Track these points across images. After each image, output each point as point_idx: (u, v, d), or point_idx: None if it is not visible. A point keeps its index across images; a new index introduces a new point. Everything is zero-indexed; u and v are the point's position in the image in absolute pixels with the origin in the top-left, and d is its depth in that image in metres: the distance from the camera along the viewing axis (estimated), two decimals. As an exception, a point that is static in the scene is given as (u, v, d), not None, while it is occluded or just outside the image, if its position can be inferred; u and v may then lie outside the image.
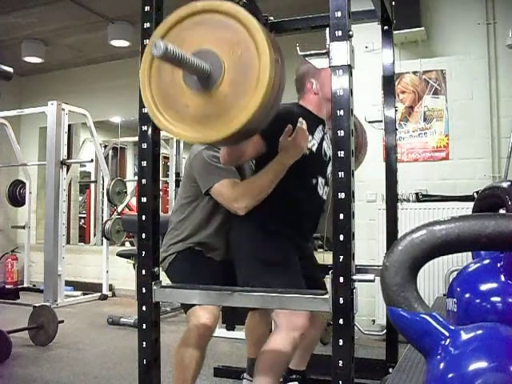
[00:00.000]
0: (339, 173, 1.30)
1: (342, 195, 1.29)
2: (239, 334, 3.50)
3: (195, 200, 2.05)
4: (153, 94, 1.38)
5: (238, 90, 1.29)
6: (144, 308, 1.50)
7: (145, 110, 1.50)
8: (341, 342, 1.27)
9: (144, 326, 1.49)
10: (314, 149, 1.98)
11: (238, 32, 1.30)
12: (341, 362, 1.27)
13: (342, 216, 1.29)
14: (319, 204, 2.06)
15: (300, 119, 1.81)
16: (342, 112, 1.31)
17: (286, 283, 1.72)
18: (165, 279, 1.56)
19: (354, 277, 1.28)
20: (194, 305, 1.93)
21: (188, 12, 1.34)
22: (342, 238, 1.29)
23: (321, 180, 2.03)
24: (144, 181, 1.51)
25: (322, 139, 2.04)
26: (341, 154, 1.31)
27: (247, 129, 1.33)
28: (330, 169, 2.07)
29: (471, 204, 1.81)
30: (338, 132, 1.31)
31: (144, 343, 1.49)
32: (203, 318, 1.91)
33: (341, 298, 1.28)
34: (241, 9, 1.33)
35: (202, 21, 1.34)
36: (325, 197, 2.07)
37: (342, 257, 1.28)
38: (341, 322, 1.27)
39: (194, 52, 1.30)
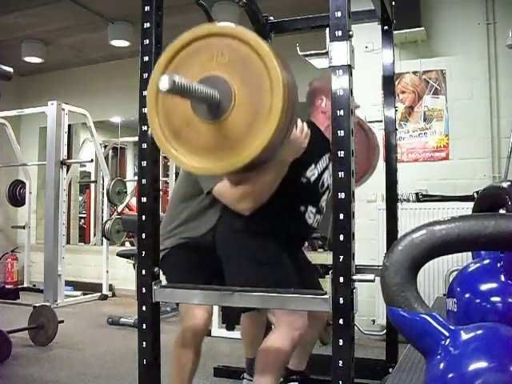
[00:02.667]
0: (339, 173, 1.30)
1: (341, 195, 1.29)
2: (239, 333, 3.49)
3: (189, 199, 2.03)
4: (161, 124, 1.35)
5: (249, 118, 1.26)
6: (144, 308, 1.49)
7: (145, 110, 1.50)
8: (341, 342, 1.27)
9: (144, 326, 1.49)
10: (313, 179, 1.94)
11: (246, 55, 1.27)
12: (341, 361, 1.27)
13: (341, 216, 1.29)
14: (306, 231, 2.03)
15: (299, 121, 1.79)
16: (342, 112, 1.31)
17: (275, 281, 1.71)
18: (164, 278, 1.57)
19: (354, 277, 1.28)
20: None
21: (190, 38, 1.31)
22: (341, 238, 1.29)
23: (311, 209, 1.97)
24: (144, 181, 1.51)
25: (325, 169, 1.99)
26: (341, 153, 1.30)
27: (260, 159, 1.30)
28: (324, 198, 2.04)
29: (471, 204, 1.81)
30: (338, 132, 1.31)
31: (144, 343, 1.49)
32: (198, 318, 1.91)
33: (341, 298, 1.28)
34: (248, 31, 1.29)
35: (205, 46, 1.30)
36: (315, 224, 2.03)
37: (341, 257, 1.28)
38: (341, 321, 1.27)
39: (202, 79, 1.27)
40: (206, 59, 1.30)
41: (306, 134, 1.79)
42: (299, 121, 1.77)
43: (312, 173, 1.93)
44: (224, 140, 1.29)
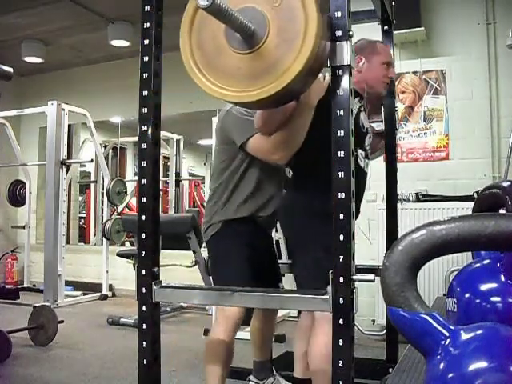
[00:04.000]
0: (339, 173, 1.30)
1: (341, 195, 1.29)
2: (240, 334, 3.49)
3: (231, 163, 2.01)
4: (194, 55, 1.35)
5: (285, 44, 1.27)
6: (144, 308, 1.49)
7: (145, 110, 1.50)
8: (341, 342, 1.27)
9: (144, 326, 1.49)
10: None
11: None
12: (341, 361, 1.27)
13: (341, 216, 1.29)
14: (362, 176, 2.02)
15: None
16: (342, 112, 1.31)
17: None
18: (165, 279, 1.56)
19: (354, 277, 1.28)
20: None
21: None
22: (341, 238, 1.29)
23: (360, 152, 1.99)
24: (144, 181, 1.50)
25: (359, 111, 2.01)
26: (341, 154, 1.31)
27: (296, 85, 1.30)
28: (368, 141, 2.06)
29: (471, 204, 1.81)
30: (338, 132, 1.31)
31: (144, 343, 1.49)
32: (232, 312, 1.93)
33: (341, 298, 1.27)
34: None
35: None
36: (367, 170, 2.04)
37: (341, 257, 1.28)
38: (341, 321, 1.27)
39: (239, 9, 1.28)
40: None
41: (327, 80, 1.78)
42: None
43: None
44: (260, 68, 1.30)
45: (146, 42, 1.50)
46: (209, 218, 2.05)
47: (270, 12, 1.29)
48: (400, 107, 3.67)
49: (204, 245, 2.27)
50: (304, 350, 2.01)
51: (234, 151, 1.98)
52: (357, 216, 2.08)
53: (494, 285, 1.32)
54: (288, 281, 2.25)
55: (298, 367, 2.14)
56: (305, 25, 1.25)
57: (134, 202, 7.39)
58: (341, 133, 1.31)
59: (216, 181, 2.06)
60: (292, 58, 1.26)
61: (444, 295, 2.42)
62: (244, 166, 2.00)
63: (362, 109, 2.03)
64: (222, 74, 1.34)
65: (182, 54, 1.37)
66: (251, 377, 2.37)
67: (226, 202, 2.01)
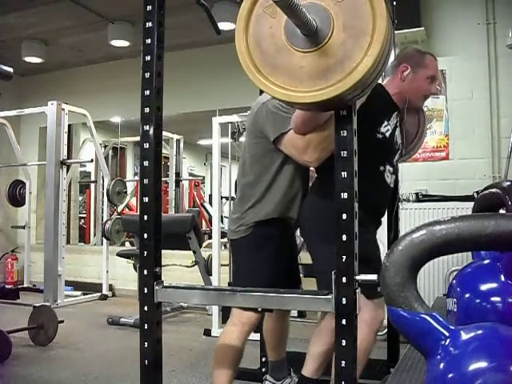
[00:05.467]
0: (342, 173, 1.30)
1: (344, 195, 1.29)
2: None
3: (262, 158, 1.95)
4: (251, 54, 1.29)
5: (351, 41, 1.22)
6: (146, 308, 1.49)
7: (146, 110, 1.50)
8: (343, 343, 1.27)
9: (146, 326, 1.49)
10: (388, 134, 1.93)
11: None
12: (343, 362, 1.27)
13: (344, 216, 1.29)
14: (386, 192, 2.02)
15: None
16: (344, 112, 1.32)
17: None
18: (165, 279, 1.56)
19: (357, 277, 1.28)
20: None
21: None
22: (344, 238, 1.29)
23: (388, 168, 1.98)
24: (146, 181, 1.50)
25: (396, 127, 1.99)
26: (344, 154, 1.31)
27: (365, 83, 1.25)
28: (398, 157, 2.06)
29: (471, 204, 1.81)
30: (341, 132, 1.31)
31: (146, 343, 1.49)
32: (249, 318, 1.91)
33: (343, 299, 1.27)
34: None
35: None
36: (392, 185, 2.03)
37: (344, 257, 1.28)
38: (343, 322, 1.27)
39: (302, 5, 1.22)
40: None
41: None
42: None
43: (386, 128, 1.93)
44: (325, 66, 1.24)
45: (148, 41, 1.50)
46: (239, 215, 1.98)
47: (334, 8, 1.23)
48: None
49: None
50: (320, 350, 1.98)
51: (265, 146, 1.91)
52: (378, 227, 2.10)
53: (493, 285, 1.33)
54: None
55: (308, 366, 2.06)
56: (373, 20, 1.20)
57: (134, 202, 7.39)
58: (343, 133, 1.31)
59: (246, 176, 1.99)
60: (360, 54, 1.21)
61: (444, 295, 2.42)
62: (279, 162, 1.93)
63: (398, 124, 2.01)
64: (283, 74, 1.28)
65: (238, 52, 1.30)
66: (268, 376, 2.32)
67: (260, 199, 1.95)
